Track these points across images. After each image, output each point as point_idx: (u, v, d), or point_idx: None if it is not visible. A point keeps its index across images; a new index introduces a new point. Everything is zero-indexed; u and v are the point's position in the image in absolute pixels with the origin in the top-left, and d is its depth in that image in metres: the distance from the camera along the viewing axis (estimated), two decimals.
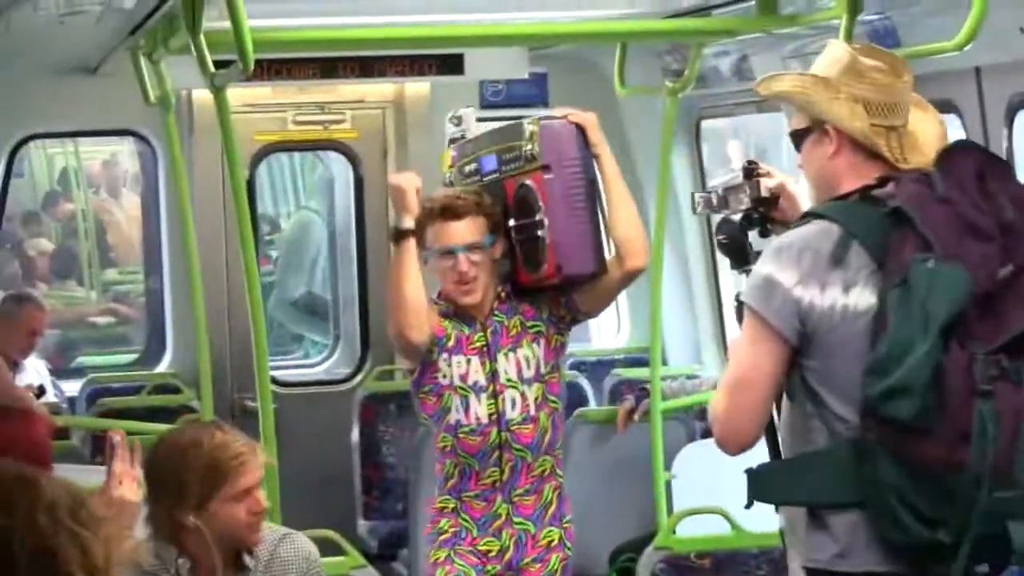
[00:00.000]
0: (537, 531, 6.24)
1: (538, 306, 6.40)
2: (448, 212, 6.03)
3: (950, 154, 5.44)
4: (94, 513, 3.91)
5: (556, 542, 6.31)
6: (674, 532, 7.14)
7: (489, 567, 6.06)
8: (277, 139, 11.59)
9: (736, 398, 5.36)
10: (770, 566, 7.23)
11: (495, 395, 6.12)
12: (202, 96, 8.60)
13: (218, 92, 7.09)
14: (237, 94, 8.58)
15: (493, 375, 6.14)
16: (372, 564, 6.56)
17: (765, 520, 5.91)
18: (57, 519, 3.82)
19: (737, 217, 6.11)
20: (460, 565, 6.02)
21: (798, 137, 5.56)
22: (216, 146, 7.72)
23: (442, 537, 6.16)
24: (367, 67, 10.82)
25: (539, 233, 6.22)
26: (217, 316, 9.38)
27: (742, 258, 5.99)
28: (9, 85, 8.77)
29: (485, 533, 6.23)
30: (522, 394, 6.13)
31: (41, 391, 8.89)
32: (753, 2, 7.83)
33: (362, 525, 9.93)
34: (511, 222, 6.51)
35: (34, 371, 9.59)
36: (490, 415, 6.10)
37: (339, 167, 12.04)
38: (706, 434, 9.51)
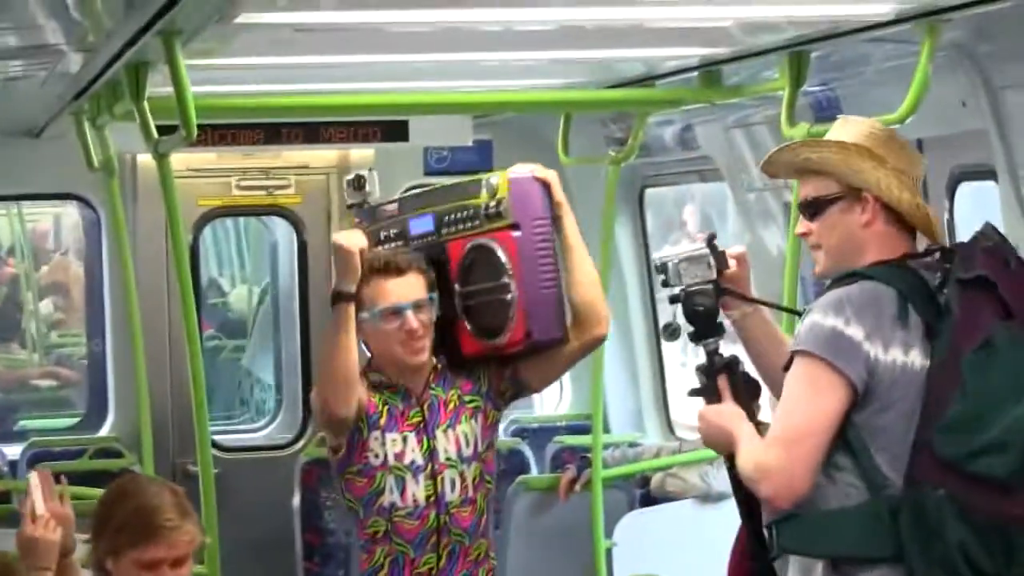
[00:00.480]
0: None
1: (476, 379, 5.87)
2: (391, 268, 5.55)
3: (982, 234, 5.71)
4: None
5: None
6: None
7: None
8: (220, 204, 11.59)
9: (796, 449, 5.27)
10: None
11: (433, 475, 5.63)
12: (146, 160, 8.62)
13: (161, 159, 7.15)
14: (181, 159, 8.62)
15: (431, 453, 5.64)
16: None
17: None
18: None
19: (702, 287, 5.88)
20: None
21: (820, 204, 5.50)
22: (160, 210, 7.74)
23: None
24: (311, 133, 10.88)
25: (506, 297, 5.69)
26: (159, 380, 9.40)
27: (711, 328, 5.87)
28: None
29: None
30: (461, 474, 5.65)
31: None
32: (696, 73, 7.89)
33: None
34: (457, 287, 5.90)
35: None
36: (427, 497, 5.60)
37: (283, 231, 12.04)
38: (646, 502, 9.57)
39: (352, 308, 5.55)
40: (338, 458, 5.71)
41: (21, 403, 11.07)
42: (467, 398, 5.69)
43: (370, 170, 6.01)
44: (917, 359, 5.40)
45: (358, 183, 5.90)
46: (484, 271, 5.67)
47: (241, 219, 12.45)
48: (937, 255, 5.54)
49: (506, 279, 5.59)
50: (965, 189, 8.78)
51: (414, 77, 8.43)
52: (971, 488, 5.29)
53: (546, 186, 5.66)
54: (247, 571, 7.29)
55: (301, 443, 11.43)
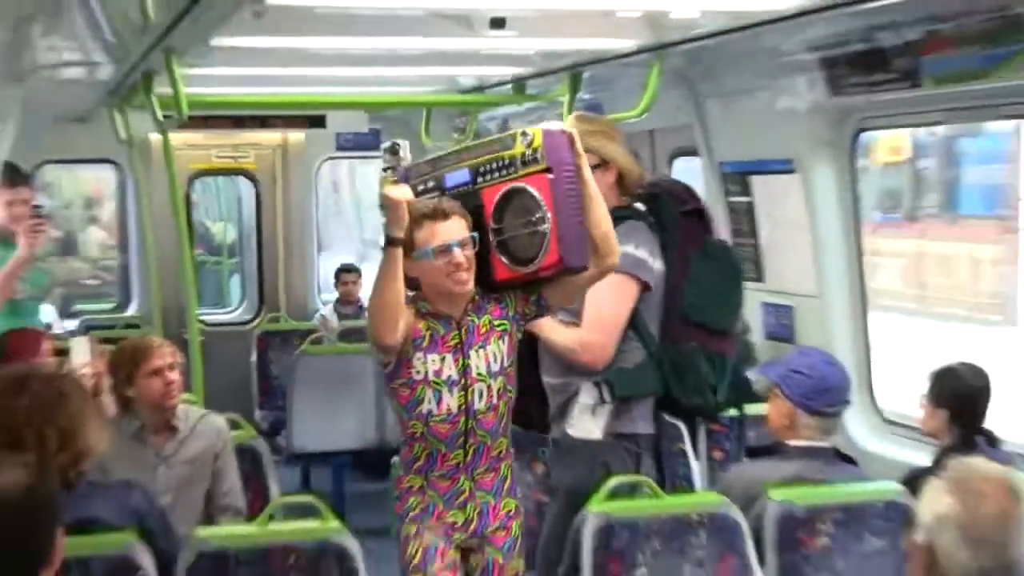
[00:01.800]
0: (497, 503, 5.10)
1: (504, 306, 5.06)
2: (438, 214, 4.76)
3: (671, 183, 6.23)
4: (69, 407, 3.97)
5: (513, 511, 5.16)
6: None
7: (456, 535, 5.02)
8: (204, 167, 11.52)
9: (609, 330, 5.51)
10: None
11: (465, 388, 4.90)
12: (156, 137, 8.59)
13: (164, 136, 7.18)
14: (179, 137, 8.60)
15: (465, 370, 4.91)
16: (262, 436, 6.56)
17: None
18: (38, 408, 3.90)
19: None
20: (430, 537, 5.00)
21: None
22: (164, 171, 7.78)
23: (412, 514, 5.03)
24: (264, 122, 11.08)
25: (541, 228, 4.85)
26: (166, 281, 9.33)
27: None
28: (32, 129, 8.73)
29: (451, 507, 5.02)
30: (488, 386, 4.93)
31: (48, 327, 8.83)
32: (510, 85, 7.95)
33: (257, 413, 9.94)
34: (492, 226, 4.98)
35: (46, 314, 9.48)
36: (459, 406, 4.90)
37: (245, 187, 11.99)
38: None
39: (400, 252, 4.73)
40: (387, 372, 4.98)
41: (78, 295, 10.98)
42: (496, 322, 5.00)
43: (404, 140, 5.10)
44: (660, 265, 5.60)
45: (393, 149, 5.06)
46: (518, 210, 4.89)
47: (219, 178, 12.26)
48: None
49: (540, 214, 4.82)
50: (679, 163, 8.96)
51: (330, 84, 8.42)
52: (708, 338, 5.64)
53: (571, 139, 4.91)
54: (220, 400, 7.29)
55: (256, 321, 11.46)
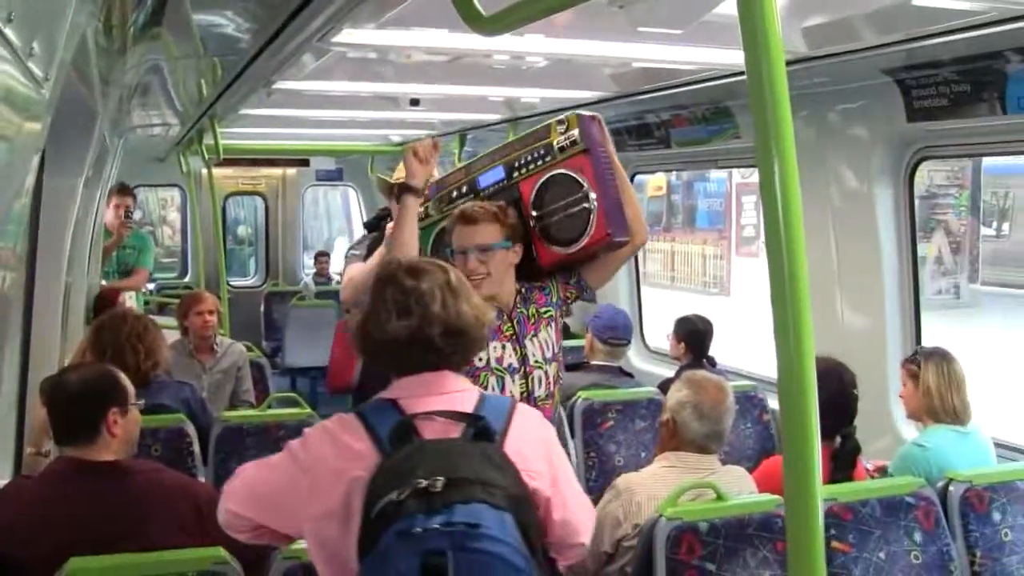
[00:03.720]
0: None
1: (547, 293, 3.62)
2: (465, 218, 3.46)
3: None
4: (149, 335, 4.05)
5: None
6: None
7: None
8: (233, 190, 11.25)
9: None
10: None
11: (525, 375, 3.49)
12: (204, 171, 8.42)
13: (209, 170, 7.07)
14: (218, 172, 8.39)
15: (523, 358, 3.49)
16: (266, 357, 6.45)
17: None
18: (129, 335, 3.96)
19: None
20: None
21: None
22: (209, 192, 7.67)
23: None
24: (271, 162, 10.83)
25: (586, 206, 3.49)
26: (208, 261, 9.16)
27: None
28: (129, 165, 8.52)
29: None
30: (545, 373, 3.52)
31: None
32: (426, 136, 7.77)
33: (264, 343, 9.75)
34: (533, 213, 3.58)
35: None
36: (521, 393, 3.48)
37: (259, 203, 11.74)
38: None
39: (411, 200, 3.40)
40: None
41: (156, 267, 10.72)
42: (543, 311, 3.57)
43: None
44: None
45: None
46: (558, 194, 3.53)
47: (243, 197, 12.00)
48: None
49: (582, 193, 3.49)
50: None
51: (312, 139, 8.37)
52: None
53: (600, 123, 3.60)
54: (242, 333, 7.20)
55: (264, 286, 11.20)
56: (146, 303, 7.93)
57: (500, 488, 1.92)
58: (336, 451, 2.06)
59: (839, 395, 3.54)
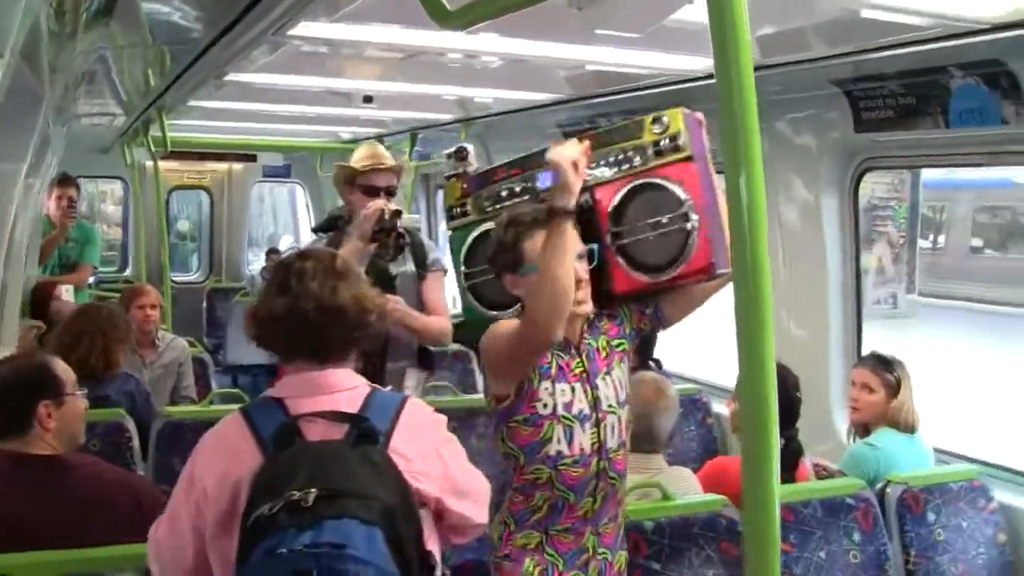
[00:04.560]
0: (613, 558, 2.84)
1: (619, 322, 2.85)
2: None
3: None
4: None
5: (624, 567, 2.89)
6: None
7: None
8: (178, 184, 11.10)
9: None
10: None
11: (597, 423, 2.72)
12: (149, 164, 8.30)
13: (155, 162, 7.00)
14: (163, 164, 8.28)
15: (595, 402, 2.72)
16: (208, 353, 6.35)
17: None
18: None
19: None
20: None
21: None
22: (153, 186, 7.57)
23: None
24: (217, 156, 10.64)
25: (684, 225, 2.74)
26: (149, 255, 9.04)
27: None
28: (72, 155, 8.31)
29: (572, 567, 2.76)
30: (619, 419, 2.77)
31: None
32: (374, 140, 7.52)
33: (206, 340, 9.58)
34: (611, 228, 2.82)
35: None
36: (592, 444, 2.71)
37: (204, 197, 11.59)
38: None
39: (570, 225, 2.54)
40: (504, 406, 2.73)
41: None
42: (615, 342, 2.81)
43: (467, 144, 3.16)
44: None
45: (460, 154, 3.04)
46: (646, 208, 2.77)
47: (187, 192, 11.83)
48: None
49: (682, 211, 2.73)
50: None
51: (260, 133, 8.30)
52: None
53: (703, 125, 2.83)
54: (184, 328, 7.11)
55: (207, 281, 11.09)
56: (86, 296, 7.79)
57: (375, 499, 1.94)
58: (223, 454, 2.09)
59: (782, 397, 3.56)
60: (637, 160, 2.82)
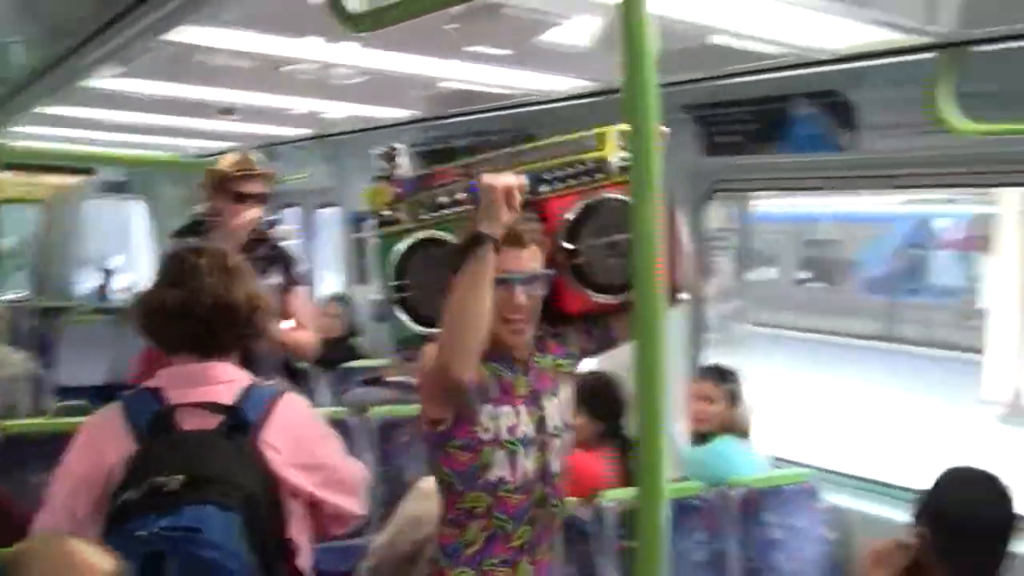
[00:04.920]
0: None
1: (564, 342, 2.63)
2: (512, 239, 2.39)
3: None
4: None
5: None
6: None
7: None
8: (8, 197, 10.59)
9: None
10: None
11: (542, 448, 2.48)
12: None
13: None
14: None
15: (540, 425, 2.49)
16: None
17: None
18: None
19: None
20: None
21: None
22: None
23: None
24: (54, 169, 10.22)
25: None
26: None
27: None
28: None
29: None
30: (563, 443, 2.55)
31: None
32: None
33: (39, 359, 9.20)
34: (566, 244, 2.59)
35: None
36: (536, 470, 2.47)
37: (33, 213, 11.03)
38: None
39: (491, 254, 2.30)
40: (437, 432, 2.44)
41: None
42: (560, 362, 2.59)
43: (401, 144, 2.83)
44: None
45: (388, 155, 2.76)
46: (608, 223, 2.57)
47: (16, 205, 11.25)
48: None
49: None
50: (323, 211, 8.27)
51: (102, 144, 8.01)
52: None
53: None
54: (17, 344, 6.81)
55: (34, 300, 10.42)
56: None
57: (238, 488, 2.04)
58: (98, 441, 2.15)
59: (616, 401, 3.98)
60: (599, 174, 2.62)
